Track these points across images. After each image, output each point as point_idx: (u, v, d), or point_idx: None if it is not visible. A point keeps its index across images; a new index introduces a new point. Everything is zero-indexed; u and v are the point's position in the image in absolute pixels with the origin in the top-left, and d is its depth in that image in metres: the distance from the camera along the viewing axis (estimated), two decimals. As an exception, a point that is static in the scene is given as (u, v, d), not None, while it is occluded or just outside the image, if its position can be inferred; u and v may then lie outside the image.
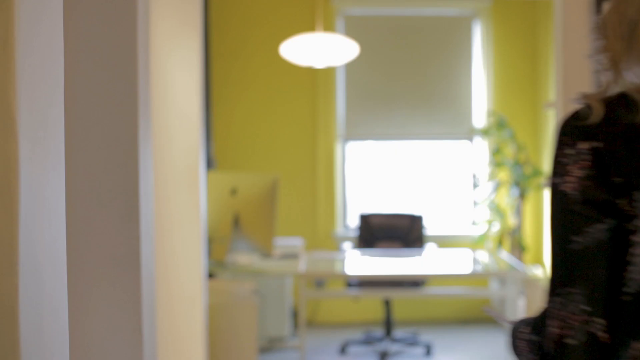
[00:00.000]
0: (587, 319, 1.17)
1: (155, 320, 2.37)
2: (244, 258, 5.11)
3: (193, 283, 3.97)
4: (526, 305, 5.88)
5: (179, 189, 3.91)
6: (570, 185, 1.18)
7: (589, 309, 1.17)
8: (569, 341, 1.17)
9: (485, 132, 6.65)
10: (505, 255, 5.72)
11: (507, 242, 6.53)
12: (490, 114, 6.65)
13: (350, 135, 6.89)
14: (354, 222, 6.75)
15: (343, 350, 5.75)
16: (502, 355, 5.49)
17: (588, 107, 1.20)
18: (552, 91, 6.14)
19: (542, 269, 6.43)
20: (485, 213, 6.56)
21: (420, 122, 6.84)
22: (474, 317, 6.56)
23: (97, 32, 2.11)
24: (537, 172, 6.36)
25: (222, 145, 6.68)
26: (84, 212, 2.09)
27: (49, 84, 1.24)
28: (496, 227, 6.50)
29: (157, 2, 3.53)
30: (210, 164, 5.96)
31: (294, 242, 6.07)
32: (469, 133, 6.86)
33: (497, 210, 6.48)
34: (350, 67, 6.74)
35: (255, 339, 4.49)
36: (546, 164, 6.47)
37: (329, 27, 6.63)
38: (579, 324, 1.17)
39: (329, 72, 6.73)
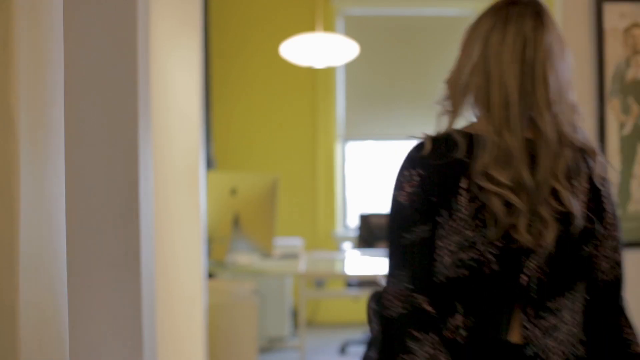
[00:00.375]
0: (410, 294, 1.55)
1: (155, 320, 2.37)
2: (244, 258, 5.11)
3: (193, 283, 3.97)
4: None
5: (179, 189, 3.91)
6: (403, 197, 1.59)
7: (411, 286, 1.56)
8: (400, 310, 1.55)
9: (485, 132, 6.64)
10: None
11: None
12: (490, 114, 6.65)
13: (350, 135, 6.89)
14: (354, 222, 6.75)
15: (343, 350, 5.75)
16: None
17: (422, 143, 1.63)
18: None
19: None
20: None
21: (420, 122, 6.84)
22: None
23: (97, 32, 2.11)
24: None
25: (222, 145, 6.67)
26: (84, 212, 2.09)
27: (49, 84, 1.23)
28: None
29: (157, 2, 3.53)
30: (210, 164, 5.96)
31: (294, 242, 6.06)
32: (469, 133, 6.85)
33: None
34: (350, 67, 6.74)
35: (255, 339, 4.49)
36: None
37: (329, 27, 6.63)
38: (404, 297, 1.55)
39: (329, 72, 6.73)
